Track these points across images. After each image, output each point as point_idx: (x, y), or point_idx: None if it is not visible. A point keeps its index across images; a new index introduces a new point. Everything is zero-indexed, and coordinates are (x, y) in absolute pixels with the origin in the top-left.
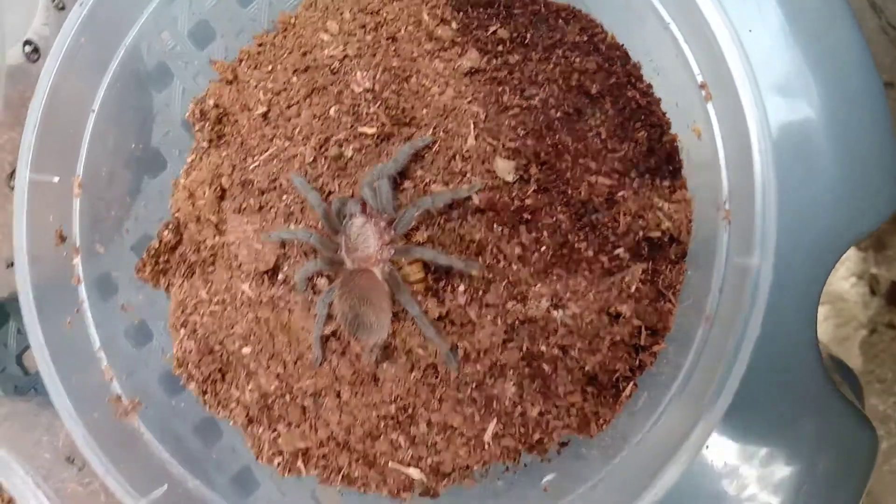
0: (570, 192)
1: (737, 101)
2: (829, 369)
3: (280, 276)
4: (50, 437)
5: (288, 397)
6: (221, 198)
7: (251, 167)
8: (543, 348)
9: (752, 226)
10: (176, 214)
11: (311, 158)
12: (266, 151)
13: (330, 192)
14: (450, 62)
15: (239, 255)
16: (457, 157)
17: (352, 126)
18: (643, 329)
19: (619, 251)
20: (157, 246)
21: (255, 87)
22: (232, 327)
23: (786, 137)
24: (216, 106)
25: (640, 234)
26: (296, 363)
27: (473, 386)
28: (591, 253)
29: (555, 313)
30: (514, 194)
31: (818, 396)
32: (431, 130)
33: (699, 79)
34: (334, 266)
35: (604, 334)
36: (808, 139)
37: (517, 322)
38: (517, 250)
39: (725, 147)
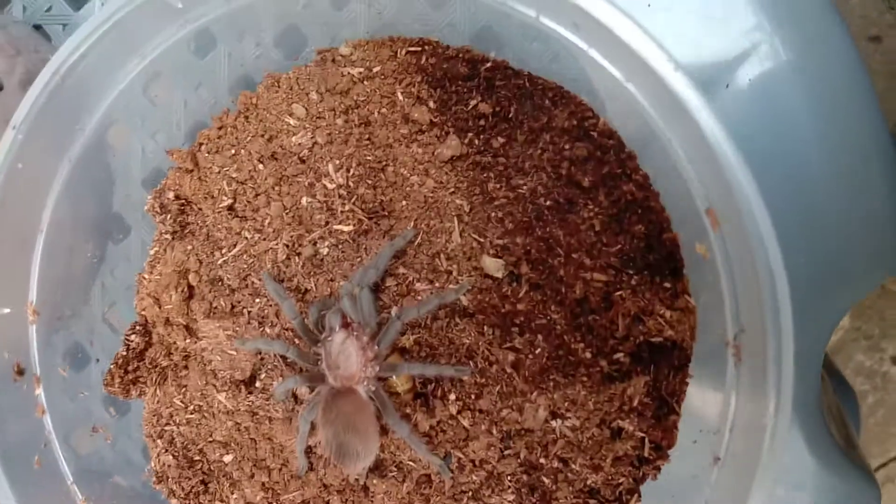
0: (563, 290)
1: (750, 238)
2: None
3: (258, 384)
4: None
5: None
6: (190, 297)
7: (219, 262)
8: (542, 460)
9: (765, 376)
10: (142, 313)
11: (284, 256)
12: (235, 246)
13: (306, 291)
14: (429, 147)
15: (213, 361)
16: (441, 255)
17: (326, 223)
18: (647, 441)
19: (619, 356)
20: (124, 353)
21: (219, 173)
22: (211, 435)
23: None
24: (177, 197)
25: (641, 338)
26: (280, 470)
27: (469, 495)
28: (589, 356)
29: (553, 423)
30: (504, 292)
31: None
32: (413, 223)
33: (703, 205)
34: (314, 380)
35: (606, 451)
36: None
37: (514, 431)
38: (510, 356)
39: (734, 281)
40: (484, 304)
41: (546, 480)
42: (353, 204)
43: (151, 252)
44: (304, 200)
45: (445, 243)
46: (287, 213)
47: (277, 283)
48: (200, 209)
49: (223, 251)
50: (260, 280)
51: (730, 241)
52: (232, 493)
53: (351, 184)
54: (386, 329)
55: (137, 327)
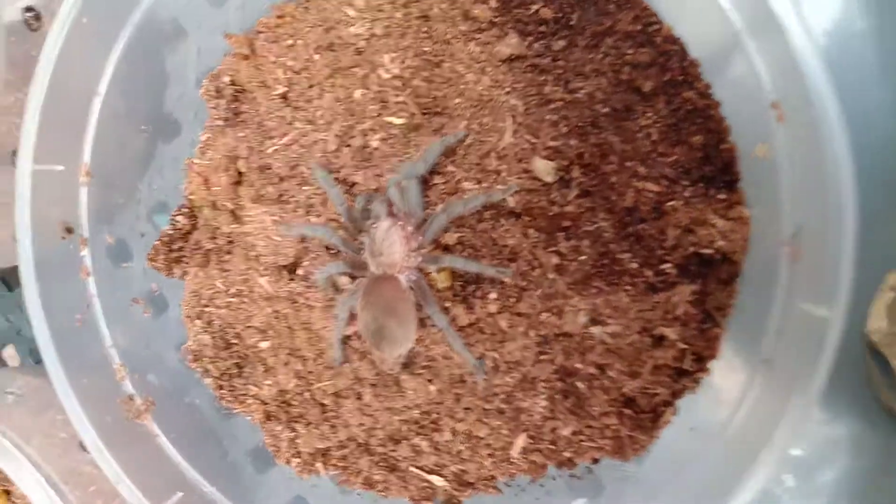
0: (614, 198)
1: (818, 129)
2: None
3: (300, 272)
4: (65, 417)
5: (307, 395)
6: (238, 183)
7: (269, 151)
8: (579, 365)
9: (823, 273)
10: (190, 197)
11: (334, 147)
12: (286, 135)
13: (353, 184)
14: (487, 46)
15: (257, 246)
16: (491, 154)
17: (378, 115)
18: (688, 353)
19: (666, 266)
20: (171, 232)
21: (274, 63)
22: (249, 320)
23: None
24: (232, 83)
25: (690, 249)
26: (315, 360)
27: (502, 398)
28: (634, 266)
29: (593, 330)
30: (552, 197)
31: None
32: (465, 122)
33: (771, 97)
34: (357, 268)
35: (645, 357)
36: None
37: (551, 336)
38: (554, 259)
39: (797, 174)
40: (531, 207)
41: (581, 386)
42: (407, 96)
43: (203, 138)
44: (357, 93)
45: (497, 143)
46: (339, 105)
47: (326, 172)
48: (254, 97)
49: (274, 140)
50: (308, 170)
51: (795, 134)
52: (265, 379)
53: (406, 75)
54: (431, 221)
55: (184, 209)
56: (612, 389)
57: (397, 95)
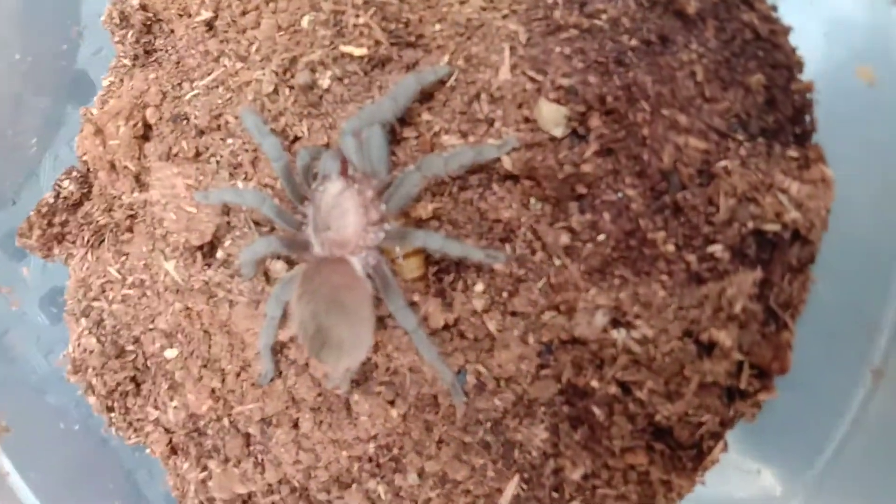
0: (645, 156)
1: None
2: None
3: (219, 255)
4: None
5: (226, 422)
6: (144, 138)
7: (187, 96)
8: (595, 383)
9: None
10: (83, 157)
11: (272, 88)
12: (209, 75)
13: (296, 139)
14: None
15: (165, 220)
16: (482, 97)
17: (331, 44)
18: (746, 367)
19: (716, 249)
20: (51, 201)
21: None
22: (152, 320)
23: None
24: (142, 7)
25: (749, 225)
26: (238, 375)
27: (488, 426)
28: (671, 248)
29: (615, 334)
30: (562, 155)
31: None
32: (447, 56)
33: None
34: (296, 248)
35: (689, 372)
36: None
37: (557, 342)
38: (563, 238)
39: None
40: (534, 167)
41: (597, 412)
42: (370, 17)
43: (105, 83)
44: (304, 21)
45: (489, 81)
46: (281, 35)
47: (259, 119)
48: (172, 30)
49: (194, 82)
50: (236, 119)
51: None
52: (171, 400)
53: None
54: (398, 184)
55: (75, 173)
56: (640, 416)
57: (357, 16)
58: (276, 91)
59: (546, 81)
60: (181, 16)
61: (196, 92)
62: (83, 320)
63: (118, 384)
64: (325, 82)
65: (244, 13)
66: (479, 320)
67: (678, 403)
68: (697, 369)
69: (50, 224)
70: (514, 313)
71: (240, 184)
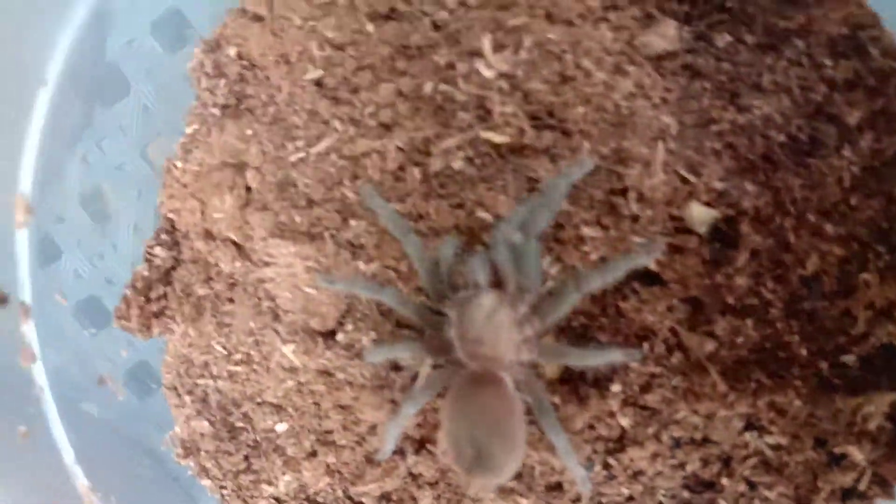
0: (789, 262)
1: None
2: None
3: (340, 338)
4: None
5: (340, 493)
6: (246, 205)
7: (292, 159)
8: (724, 480)
9: None
10: (169, 215)
11: (396, 165)
12: (320, 139)
13: (419, 216)
14: (624, 32)
15: (278, 298)
16: (630, 193)
17: (468, 126)
18: (869, 473)
19: (848, 358)
20: (145, 274)
21: (302, 28)
22: (261, 394)
23: None
24: (239, 56)
25: (885, 339)
26: (354, 450)
27: None
28: (804, 352)
29: (748, 436)
30: (710, 256)
31: None
32: (588, 143)
33: None
34: (437, 352)
35: (822, 483)
36: None
37: (685, 439)
38: (708, 345)
39: None
40: (681, 271)
41: None
42: (516, 105)
43: (189, 130)
44: (427, 87)
45: (640, 178)
46: (403, 102)
47: (386, 203)
48: (268, 77)
49: (299, 143)
50: (354, 195)
51: None
52: (283, 475)
53: (519, 73)
54: (557, 302)
55: (163, 236)
56: None
57: (503, 102)
58: (402, 169)
59: (699, 184)
60: (280, 64)
61: (303, 155)
62: (187, 398)
63: (235, 467)
64: (457, 164)
65: (359, 68)
66: (612, 418)
67: None
68: (828, 479)
69: (147, 300)
70: (645, 408)
71: (362, 265)
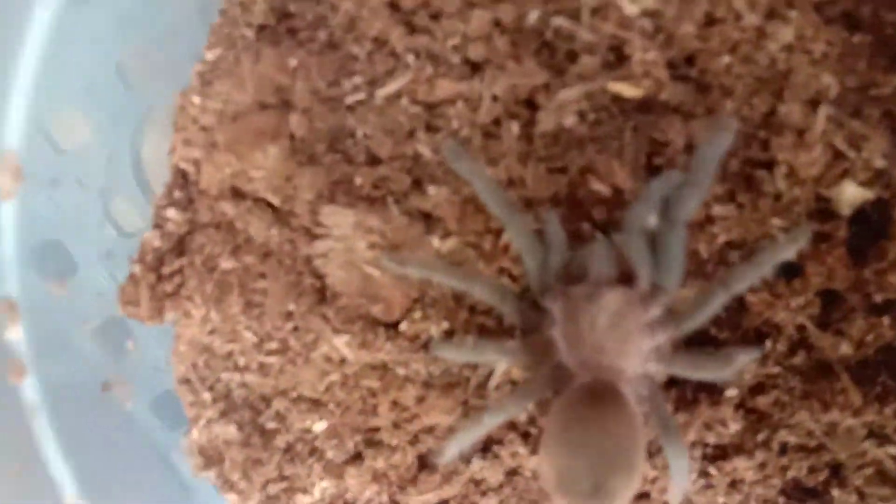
0: None
1: None
2: None
3: (404, 327)
4: None
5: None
6: (288, 156)
7: (350, 101)
8: (835, 491)
9: None
10: (182, 166)
11: (490, 119)
12: (391, 75)
13: (510, 182)
14: None
15: (328, 278)
16: (781, 168)
17: (593, 74)
18: None
19: None
20: (156, 244)
21: None
22: (296, 388)
23: None
24: None
25: None
26: (405, 452)
27: None
28: None
29: (867, 445)
30: (852, 244)
31: None
32: (730, 103)
33: None
34: (534, 356)
35: None
36: None
37: (794, 446)
38: (844, 347)
39: None
40: (826, 262)
41: None
42: (659, 50)
43: (210, 56)
44: (532, 17)
45: (792, 149)
46: (501, 36)
47: (482, 168)
48: None
49: (359, 81)
50: (431, 152)
51: None
52: (321, 480)
53: (668, 11)
54: (698, 303)
55: (176, 193)
56: None
57: (645, 50)
58: (496, 123)
59: (858, 160)
60: None
61: (362, 97)
62: (207, 395)
63: (265, 476)
64: (568, 120)
65: None
66: (724, 428)
67: None
68: None
69: (159, 278)
70: (754, 411)
71: (436, 242)
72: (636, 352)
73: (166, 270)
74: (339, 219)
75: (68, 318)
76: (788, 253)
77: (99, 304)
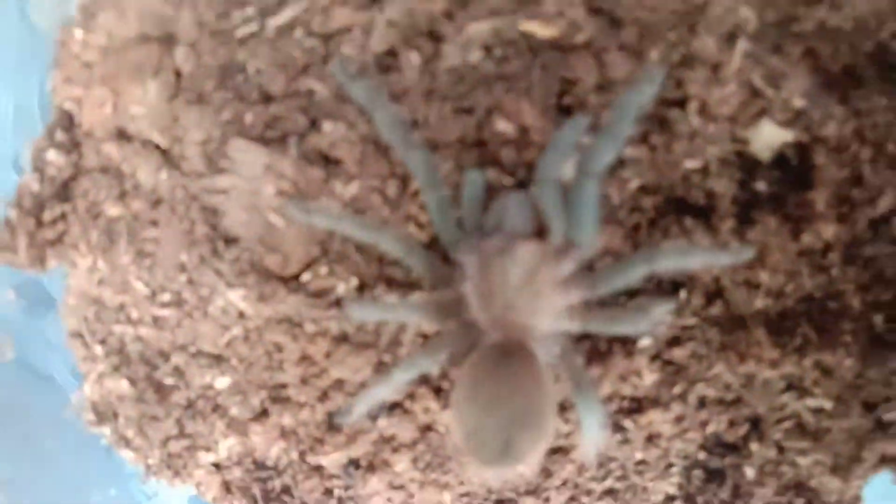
0: (857, 199)
1: None
2: None
3: (306, 278)
4: None
5: (302, 465)
6: (174, 94)
7: (240, 34)
8: (753, 445)
9: None
10: (65, 107)
11: (385, 47)
12: (280, 7)
13: (413, 124)
14: None
15: (225, 219)
16: (691, 104)
17: (507, 9)
18: None
19: None
20: (35, 188)
21: None
22: (195, 342)
23: None
24: None
25: None
26: (314, 409)
27: (617, 476)
28: (858, 303)
29: (786, 398)
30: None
31: None
32: (653, 43)
33: None
34: (444, 314)
35: (867, 453)
36: None
37: (710, 398)
38: (758, 302)
39: None
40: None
41: (748, 472)
42: None
43: None
44: None
45: (706, 85)
46: None
47: (380, 92)
48: None
49: (250, 12)
50: (327, 89)
51: None
52: (225, 438)
53: None
54: (616, 269)
55: (59, 135)
56: (791, 479)
57: None
58: (393, 54)
59: (777, 99)
60: None
61: (253, 29)
62: (98, 349)
63: (164, 433)
64: (473, 56)
65: None
66: (639, 380)
67: (844, 480)
68: (874, 448)
69: (39, 224)
70: (671, 363)
71: (338, 186)
72: (549, 309)
73: (47, 216)
74: (250, 157)
75: None
76: (724, 262)
77: None
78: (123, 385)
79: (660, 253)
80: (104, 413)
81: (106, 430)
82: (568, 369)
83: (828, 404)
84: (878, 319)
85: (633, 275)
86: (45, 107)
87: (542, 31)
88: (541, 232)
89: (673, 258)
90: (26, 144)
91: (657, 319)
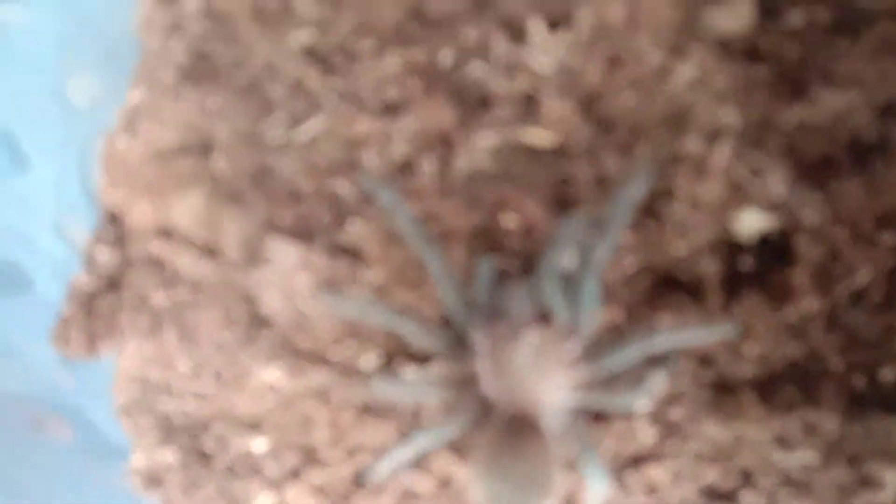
0: (837, 274)
1: None
2: None
3: (333, 354)
4: None
5: None
6: (212, 194)
7: (273, 141)
8: (747, 496)
9: None
10: (111, 208)
11: (404, 152)
12: (309, 118)
13: (427, 218)
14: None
15: (265, 302)
16: (680, 196)
17: (506, 122)
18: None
19: (887, 372)
20: (86, 283)
21: None
22: (233, 410)
23: None
24: (205, 10)
25: None
26: (341, 465)
27: None
28: (840, 366)
29: (774, 456)
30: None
31: None
32: (642, 141)
33: None
34: (458, 385)
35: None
36: None
37: (708, 456)
38: (746, 368)
39: None
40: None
41: None
42: (564, 96)
43: (132, 96)
44: (443, 54)
45: (693, 181)
46: (414, 80)
47: (399, 199)
48: (236, 36)
49: (276, 119)
50: (351, 186)
51: None
52: (262, 494)
53: (573, 59)
54: (617, 349)
55: (106, 233)
56: None
57: (549, 94)
58: (409, 163)
59: (759, 189)
60: (255, 18)
61: (283, 138)
62: (145, 421)
63: (209, 497)
64: (485, 162)
65: (357, 31)
66: (638, 436)
67: None
68: (860, 501)
69: (91, 315)
70: (668, 423)
71: (364, 275)
72: (554, 387)
73: (98, 308)
74: (283, 250)
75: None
76: (703, 340)
77: None
78: (170, 455)
79: (655, 335)
80: (154, 480)
81: (155, 495)
82: (573, 437)
83: (814, 459)
84: (859, 380)
85: (631, 356)
86: (85, 181)
87: (541, 141)
88: (545, 317)
89: (667, 339)
90: (65, 216)
91: (653, 389)
